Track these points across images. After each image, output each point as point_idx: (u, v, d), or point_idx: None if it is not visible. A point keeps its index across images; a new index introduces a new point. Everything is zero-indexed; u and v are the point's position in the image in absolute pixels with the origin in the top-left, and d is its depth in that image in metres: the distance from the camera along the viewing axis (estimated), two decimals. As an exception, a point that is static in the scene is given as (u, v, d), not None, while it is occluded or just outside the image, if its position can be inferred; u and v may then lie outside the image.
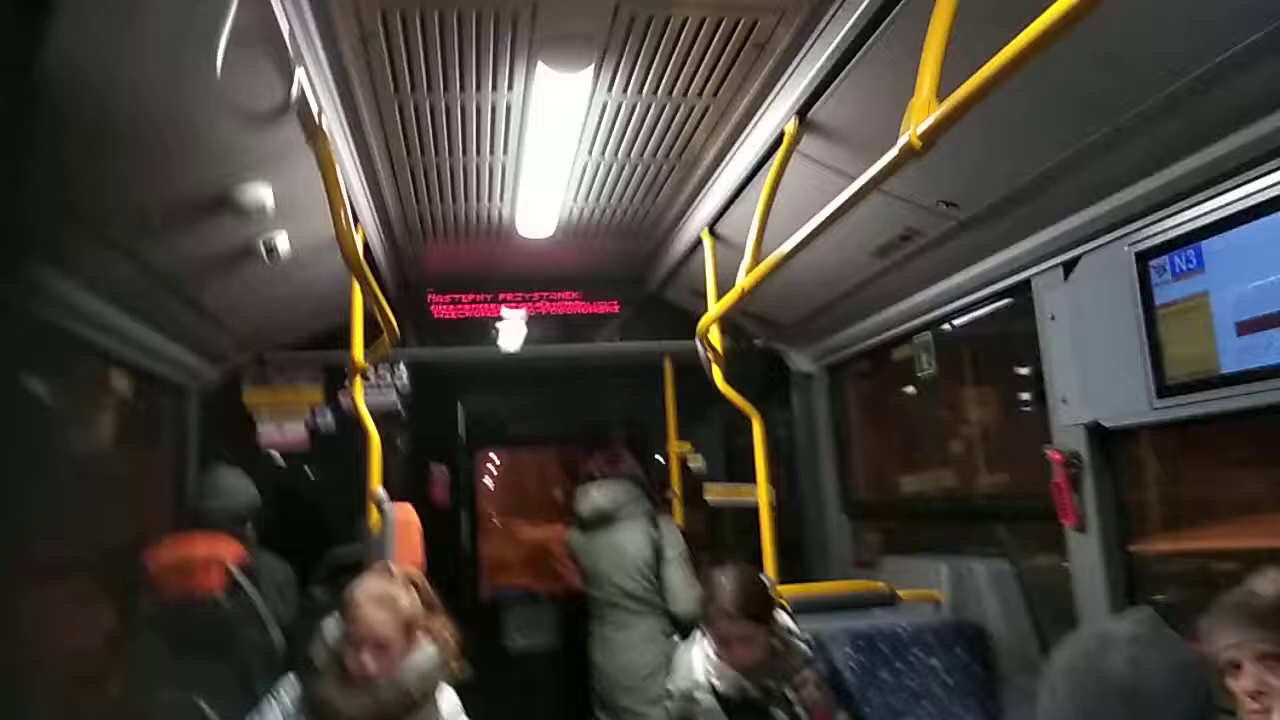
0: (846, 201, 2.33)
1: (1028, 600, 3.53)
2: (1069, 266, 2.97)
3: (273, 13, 2.02)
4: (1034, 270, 3.14)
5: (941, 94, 1.78)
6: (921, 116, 1.82)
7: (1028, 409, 3.55)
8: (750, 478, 4.14)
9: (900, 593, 3.81)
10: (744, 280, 3.06)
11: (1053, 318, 3.05)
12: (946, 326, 4.04)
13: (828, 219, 2.48)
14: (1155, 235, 2.60)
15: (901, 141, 1.87)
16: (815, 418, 5.22)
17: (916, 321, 4.14)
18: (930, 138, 1.81)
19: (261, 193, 2.86)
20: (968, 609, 3.63)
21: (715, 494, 4.97)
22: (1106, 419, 2.82)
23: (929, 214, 3.17)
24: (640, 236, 4.42)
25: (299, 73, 2.21)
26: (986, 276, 3.48)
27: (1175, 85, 2.14)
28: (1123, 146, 2.43)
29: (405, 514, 3.44)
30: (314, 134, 2.26)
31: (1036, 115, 2.44)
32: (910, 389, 4.58)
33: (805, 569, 4.99)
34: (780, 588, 3.69)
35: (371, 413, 3.82)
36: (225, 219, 2.93)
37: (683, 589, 4.18)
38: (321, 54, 2.45)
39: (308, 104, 2.21)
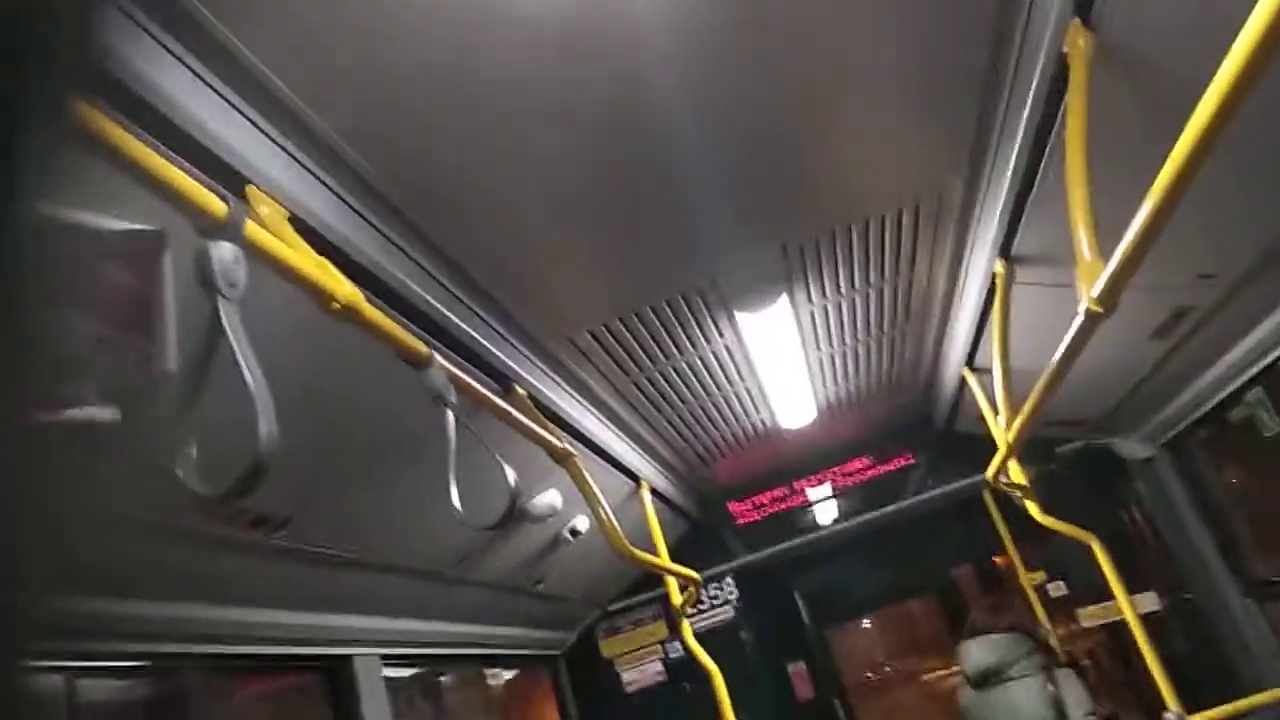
0: (1072, 343, 2.22)
1: None
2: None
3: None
4: None
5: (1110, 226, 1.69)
6: (1091, 279, 1.76)
7: None
8: (1131, 583, 3.76)
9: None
10: (1008, 434, 2.95)
11: None
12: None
13: (1064, 357, 2.37)
14: None
15: (1082, 309, 1.80)
16: (1172, 502, 4.67)
17: (1243, 378, 3.68)
18: (1110, 300, 1.74)
19: (551, 498, 3.23)
20: None
21: (1091, 617, 4.53)
22: None
23: (1189, 290, 2.91)
24: (902, 391, 4.38)
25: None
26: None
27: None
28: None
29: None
30: (564, 459, 2.57)
31: (1251, 178, 2.23)
32: (1270, 446, 4.00)
33: (1223, 675, 4.33)
34: (1192, 717, 3.27)
35: (713, 631, 3.98)
36: (533, 527, 3.34)
37: None
38: (543, 378, 2.80)
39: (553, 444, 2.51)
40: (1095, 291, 1.74)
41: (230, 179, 1.42)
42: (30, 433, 0.40)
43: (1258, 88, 1.19)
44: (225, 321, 1.12)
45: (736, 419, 4.04)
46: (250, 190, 1.46)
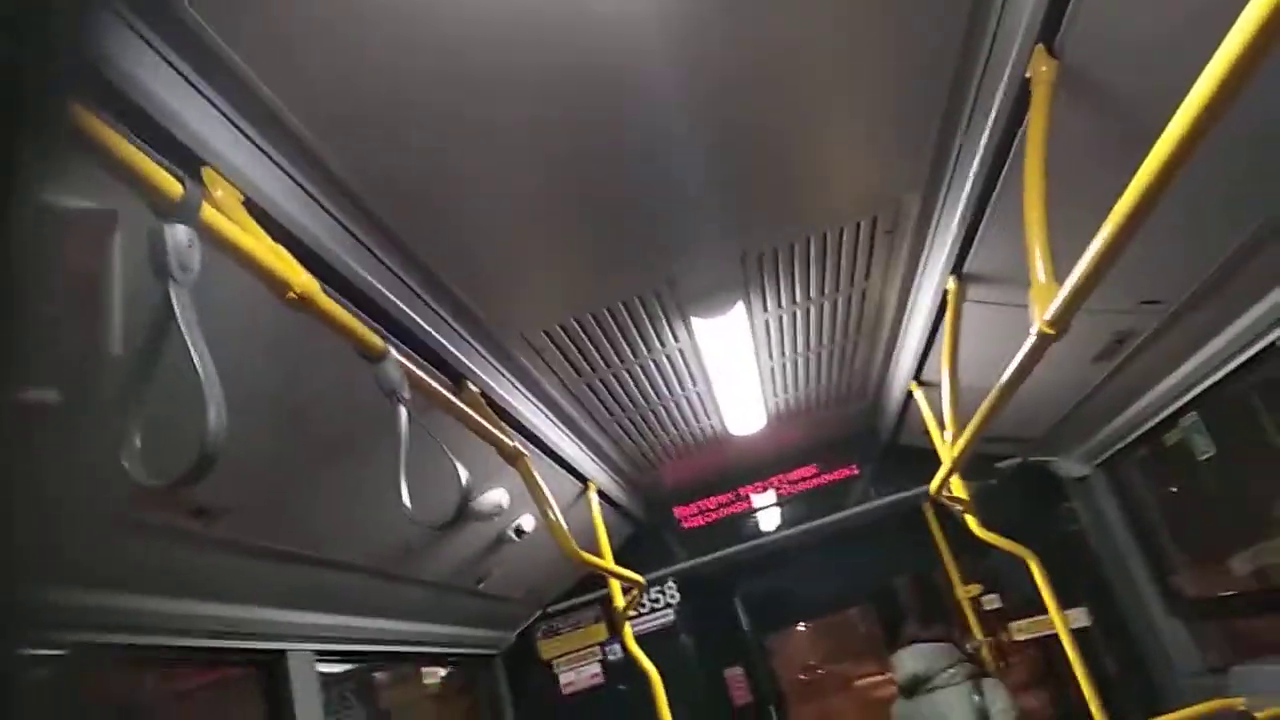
0: (1022, 363, 2.27)
1: None
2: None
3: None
4: None
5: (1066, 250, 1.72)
6: (1045, 301, 1.79)
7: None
8: (1063, 598, 3.85)
9: (1259, 716, 3.33)
10: (953, 449, 2.99)
11: None
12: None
13: (1012, 377, 2.42)
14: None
15: (1034, 331, 1.83)
16: (1105, 521, 4.79)
17: (1179, 403, 3.79)
18: (1062, 323, 1.77)
19: (497, 496, 3.20)
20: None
21: (1023, 630, 4.63)
22: None
23: (1132, 315, 2.99)
24: (850, 402, 4.43)
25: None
26: (1236, 344, 3.18)
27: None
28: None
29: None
30: (515, 459, 2.55)
31: (1200, 208, 2.30)
32: (1202, 469, 4.13)
33: (1145, 689, 4.47)
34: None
35: (653, 634, 3.98)
36: (478, 524, 3.30)
37: None
38: (497, 376, 2.77)
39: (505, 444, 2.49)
40: (1048, 314, 1.77)
41: (186, 160, 1.38)
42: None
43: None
44: (176, 307, 1.08)
45: (686, 423, 4.04)
46: (207, 172, 1.42)
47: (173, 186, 1.12)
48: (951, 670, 4.16)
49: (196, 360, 1.07)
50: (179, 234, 1.11)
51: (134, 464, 1.09)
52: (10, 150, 0.38)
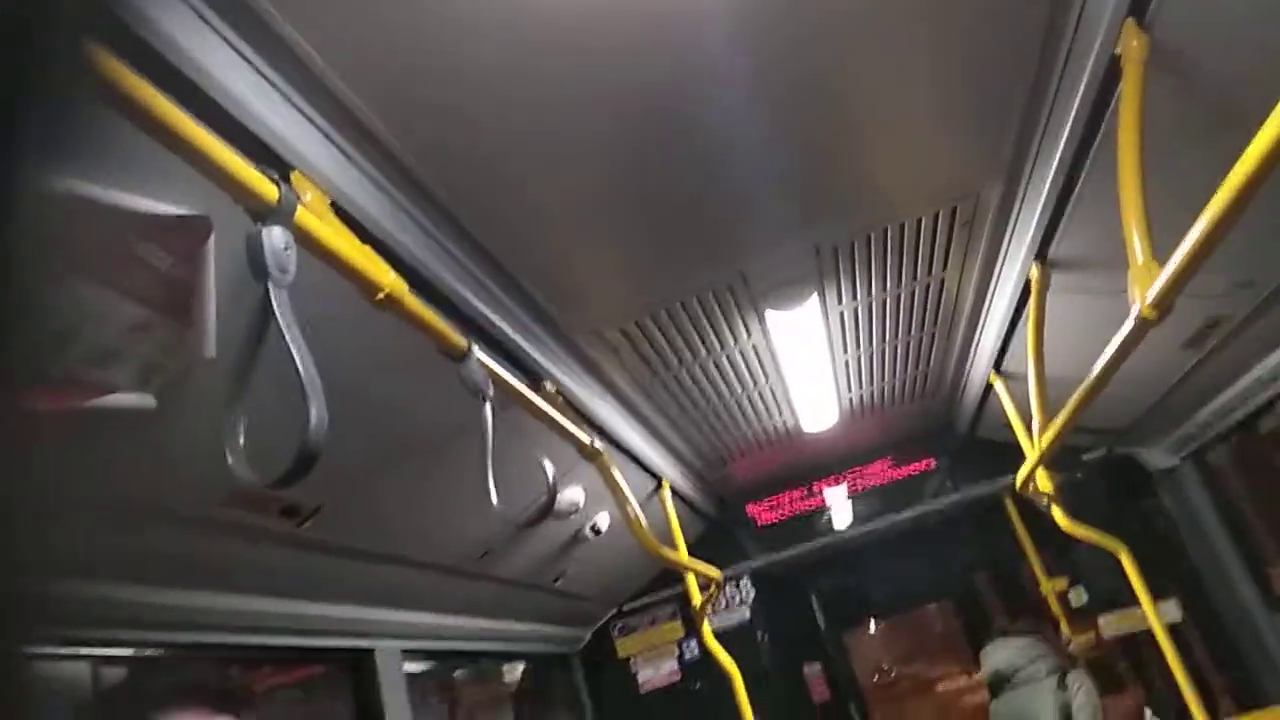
0: (1120, 348, 2.18)
1: None
2: None
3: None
4: None
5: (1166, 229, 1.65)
6: (1145, 283, 1.73)
7: None
8: (1154, 592, 3.73)
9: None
10: (1040, 441, 2.91)
11: None
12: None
13: (1109, 363, 2.33)
14: None
15: (1134, 313, 1.77)
16: (1195, 513, 4.62)
17: (1272, 391, 3.63)
18: (1164, 305, 1.71)
19: (574, 494, 3.22)
20: None
21: (1112, 626, 4.50)
22: None
23: (1224, 299, 2.87)
24: (926, 395, 4.34)
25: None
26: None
27: None
28: None
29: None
30: (593, 457, 2.55)
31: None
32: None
33: (1242, 685, 4.30)
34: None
35: (728, 631, 3.97)
36: (555, 523, 3.32)
37: None
38: (573, 374, 2.78)
39: (584, 442, 2.50)
40: (1150, 297, 1.71)
41: (275, 164, 1.41)
42: (23, 415, 0.38)
43: None
44: (276, 308, 1.11)
45: (759, 419, 4.01)
46: (295, 176, 1.45)
47: (269, 190, 1.15)
48: (1036, 664, 4.06)
49: (298, 360, 1.09)
50: (276, 236, 1.13)
51: (239, 463, 1.11)
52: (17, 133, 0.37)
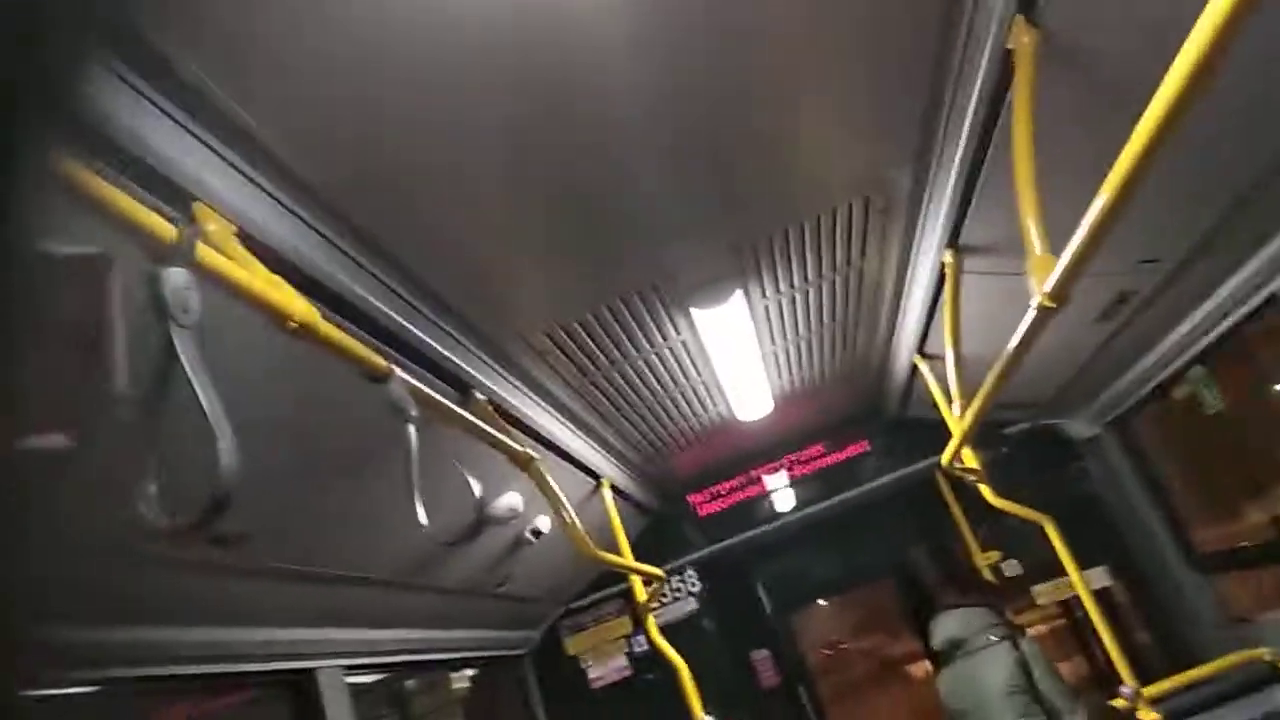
0: (1024, 336, 2.26)
1: None
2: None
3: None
4: None
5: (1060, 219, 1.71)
6: (1043, 274, 1.79)
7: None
8: (1083, 559, 3.87)
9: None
10: (962, 421, 3.00)
11: None
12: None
13: (1015, 350, 2.41)
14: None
15: (1034, 304, 1.84)
16: (1119, 479, 4.80)
17: (1184, 358, 3.79)
18: (1062, 295, 1.77)
19: (511, 500, 3.22)
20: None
21: (1046, 595, 4.65)
22: None
23: (1131, 275, 2.98)
24: (855, 379, 4.43)
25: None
26: (1236, 297, 3.18)
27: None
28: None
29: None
30: (526, 464, 2.56)
31: (1190, 167, 2.29)
32: (1212, 422, 4.13)
33: (1171, 644, 4.49)
34: (1146, 690, 3.38)
35: (677, 622, 4.00)
36: (495, 529, 3.31)
37: (1063, 700, 3.87)
38: (502, 382, 2.78)
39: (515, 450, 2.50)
40: (1047, 287, 1.78)
41: (176, 195, 1.39)
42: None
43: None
44: (180, 350, 1.09)
45: (694, 412, 4.05)
46: (198, 207, 1.43)
47: (166, 230, 1.13)
48: (990, 630, 4.15)
49: (204, 402, 1.08)
50: (176, 277, 1.11)
51: (149, 507, 1.10)
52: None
